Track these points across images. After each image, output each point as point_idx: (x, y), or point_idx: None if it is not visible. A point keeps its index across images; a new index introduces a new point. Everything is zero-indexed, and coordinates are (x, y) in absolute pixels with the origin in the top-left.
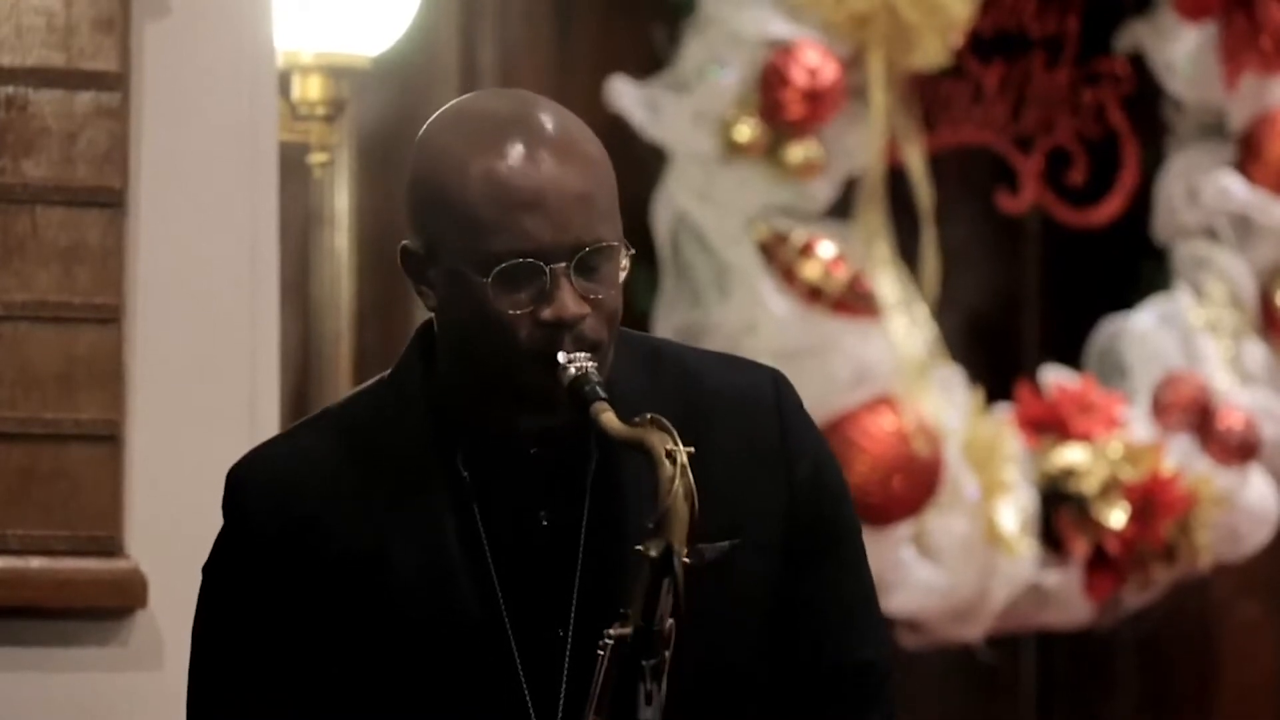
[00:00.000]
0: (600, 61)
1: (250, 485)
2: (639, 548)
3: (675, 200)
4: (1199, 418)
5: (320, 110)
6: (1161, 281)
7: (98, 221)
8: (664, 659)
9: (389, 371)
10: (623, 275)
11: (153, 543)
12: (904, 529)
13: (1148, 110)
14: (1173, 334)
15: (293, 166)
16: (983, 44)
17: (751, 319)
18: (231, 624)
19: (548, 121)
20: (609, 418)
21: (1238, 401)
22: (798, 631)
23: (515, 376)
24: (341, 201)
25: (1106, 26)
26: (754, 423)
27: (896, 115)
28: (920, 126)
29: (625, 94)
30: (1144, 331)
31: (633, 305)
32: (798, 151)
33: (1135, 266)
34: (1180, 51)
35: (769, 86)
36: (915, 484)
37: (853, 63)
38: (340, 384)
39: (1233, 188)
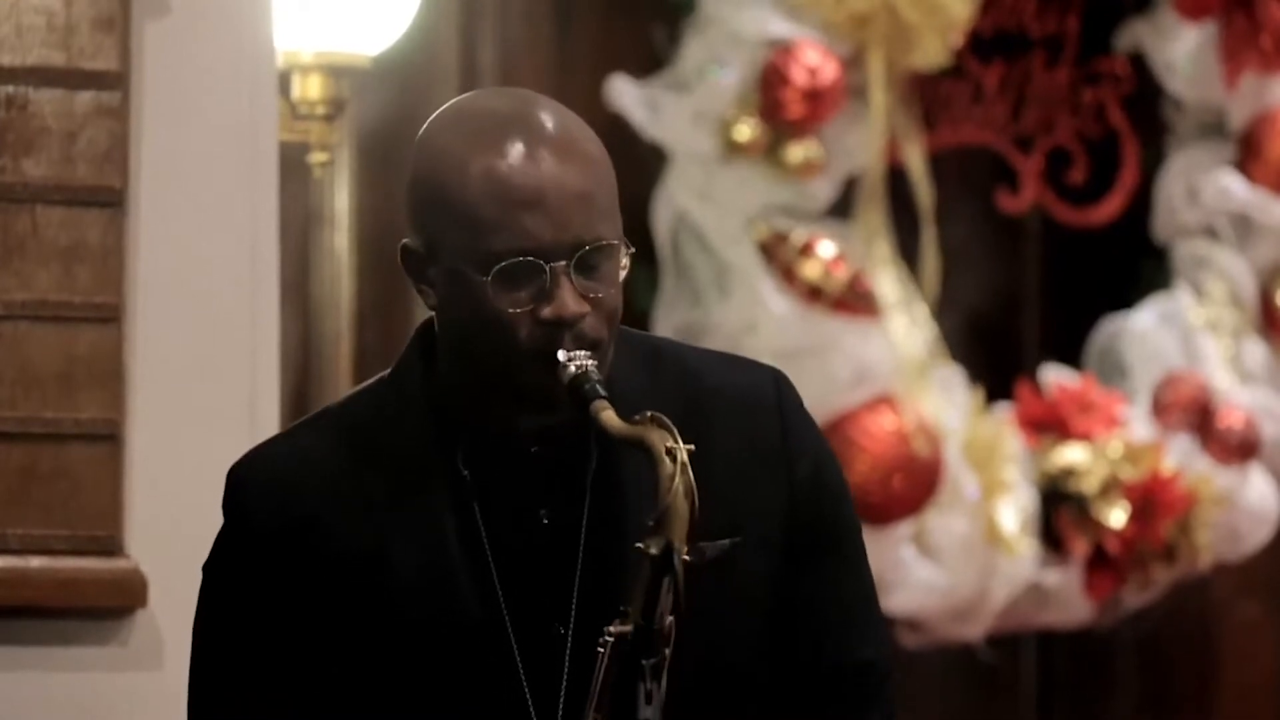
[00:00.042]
0: (600, 61)
1: (250, 484)
2: (639, 545)
3: (675, 200)
4: (1199, 417)
5: (320, 110)
6: (1161, 281)
7: (98, 221)
8: (664, 657)
9: (389, 371)
10: (623, 274)
11: (153, 542)
12: (904, 528)
13: (1148, 110)
14: (1173, 333)
15: (293, 166)
16: (983, 44)
17: (751, 319)
18: (232, 622)
19: (548, 120)
20: (609, 416)
21: (1238, 401)
22: (798, 631)
23: (515, 375)
24: (341, 201)
25: (1106, 26)
26: (754, 422)
27: (896, 115)
28: (920, 126)
29: (625, 93)
30: (1144, 331)
31: (633, 305)
32: (798, 151)
33: (1135, 266)
34: (1180, 51)
35: (769, 86)
36: (915, 483)
37: (853, 62)
38: (340, 384)
39: (1233, 187)
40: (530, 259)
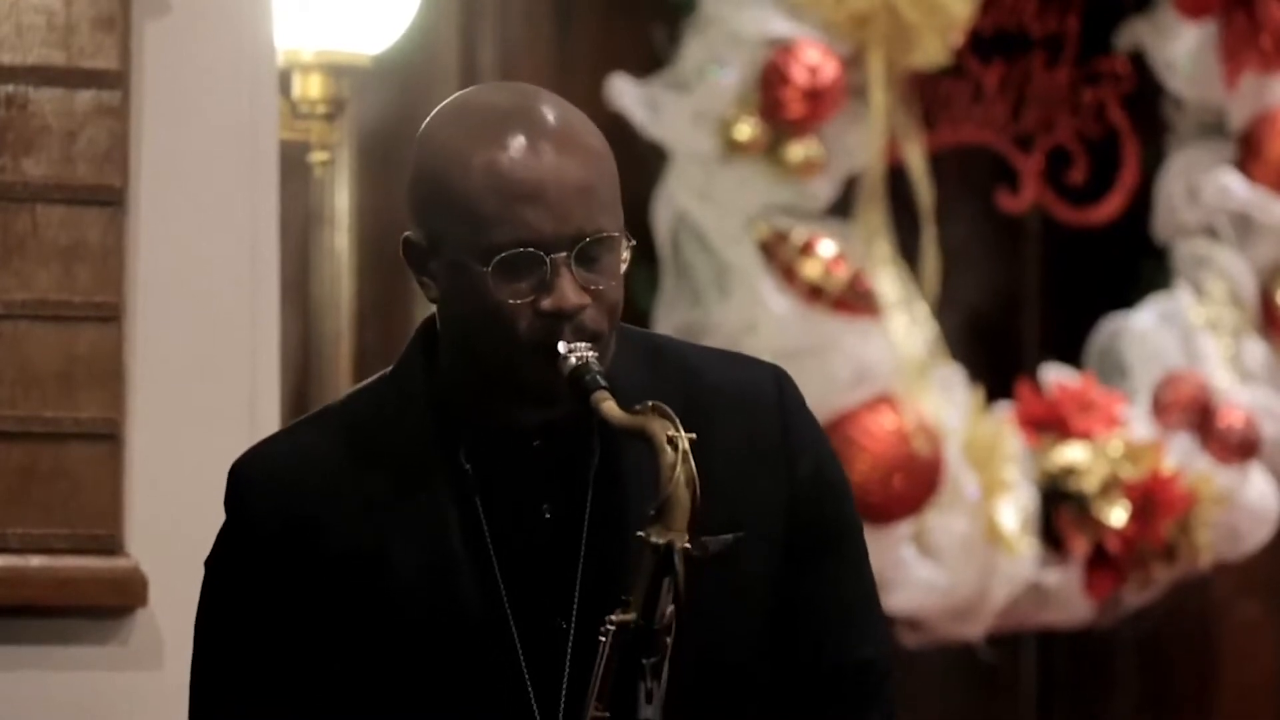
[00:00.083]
0: (600, 61)
1: (252, 481)
2: (640, 533)
3: (675, 199)
4: (1199, 416)
5: (321, 109)
6: (1162, 280)
7: (98, 220)
8: (665, 646)
9: (390, 368)
10: (624, 267)
11: (153, 542)
12: (904, 528)
13: (1148, 109)
14: (1173, 333)
15: (293, 165)
16: (983, 43)
17: (752, 318)
18: (234, 618)
19: (549, 113)
20: (609, 406)
21: (1238, 400)
22: (798, 630)
23: (516, 368)
24: (342, 200)
25: (1107, 25)
26: (755, 419)
27: (897, 114)
28: (920, 125)
29: (625, 93)
30: (1144, 330)
31: (633, 305)
32: (798, 150)
33: (1135, 265)
34: (1180, 50)
35: (769, 85)
36: (915, 483)
37: (853, 62)
38: (340, 384)
39: (1233, 186)
40: (531, 250)
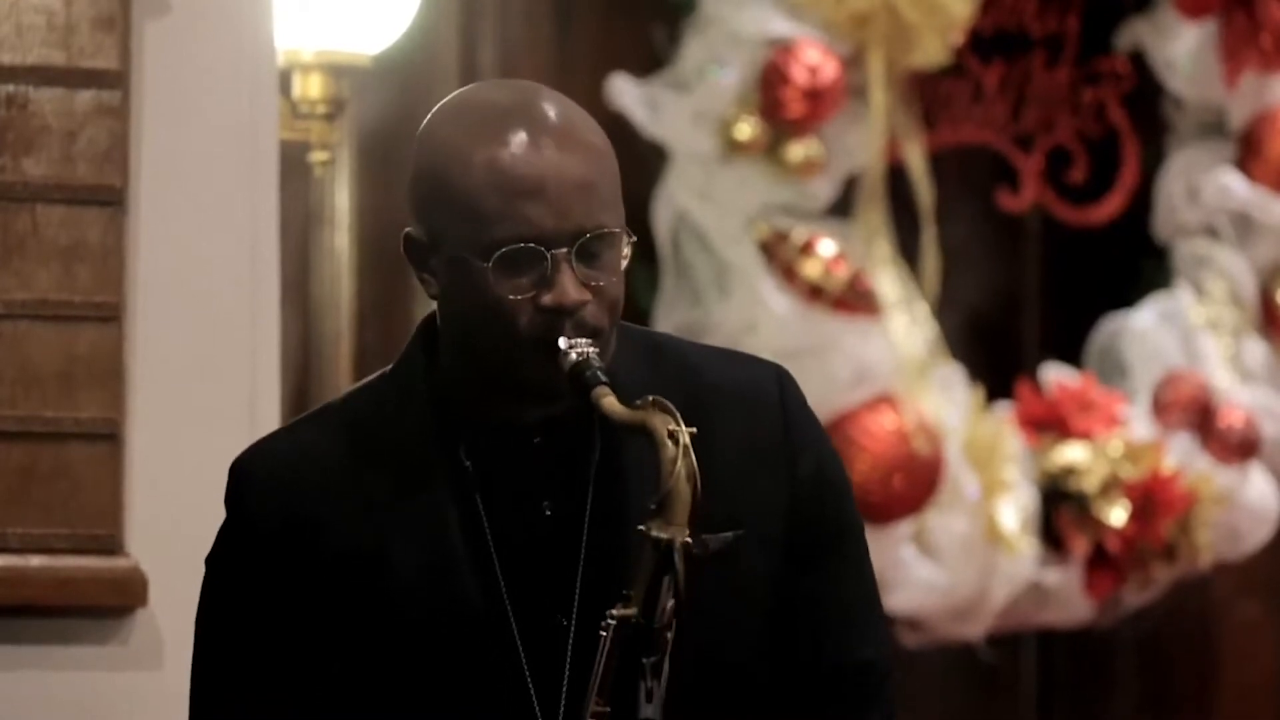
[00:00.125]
0: (600, 61)
1: (252, 478)
2: (640, 527)
3: (675, 199)
4: (1199, 416)
5: (321, 109)
6: (1162, 280)
7: (98, 220)
8: (665, 643)
9: (391, 366)
10: (624, 263)
11: (153, 541)
12: (904, 527)
13: (1148, 109)
14: (1173, 332)
15: (293, 165)
16: (983, 43)
17: (752, 318)
18: (234, 615)
19: (550, 110)
20: (610, 401)
21: (1238, 400)
22: (798, 629)
23: (517, 365)
24: (342, 200)
25: (1107, 25)
26: (756, 418)
27: (897, 114)
28: (920, 125)
29: (626, 93)
30: (1144, 330)
31: (633, 304)
32: (798, 150)
33: (1136, 265)
34: (1180, 50)
35: (769, 85)
36: (916, 482)
37: (853, 62)
38: (340, 383)
39: (1233, 186)
40: (531, 245)
